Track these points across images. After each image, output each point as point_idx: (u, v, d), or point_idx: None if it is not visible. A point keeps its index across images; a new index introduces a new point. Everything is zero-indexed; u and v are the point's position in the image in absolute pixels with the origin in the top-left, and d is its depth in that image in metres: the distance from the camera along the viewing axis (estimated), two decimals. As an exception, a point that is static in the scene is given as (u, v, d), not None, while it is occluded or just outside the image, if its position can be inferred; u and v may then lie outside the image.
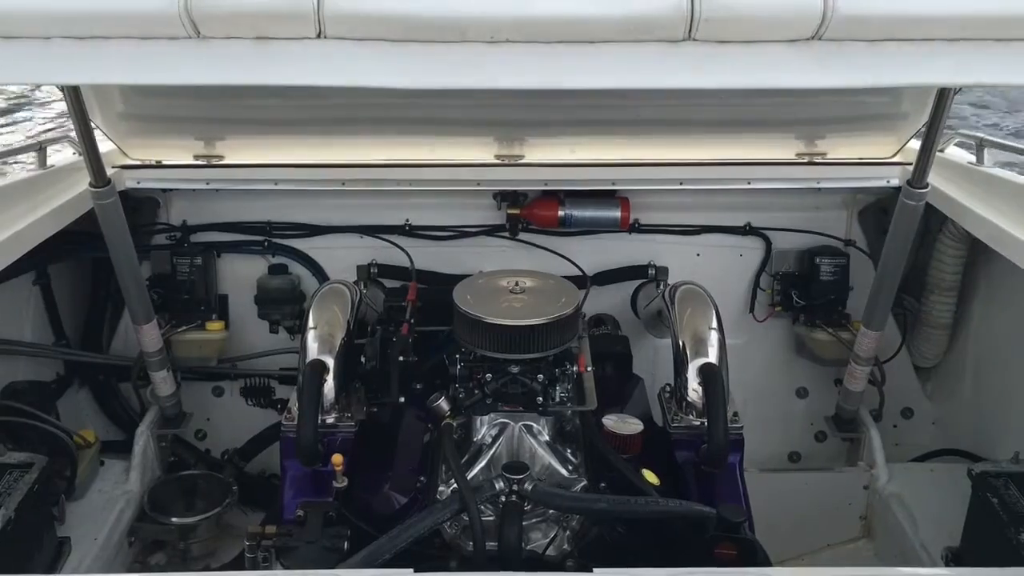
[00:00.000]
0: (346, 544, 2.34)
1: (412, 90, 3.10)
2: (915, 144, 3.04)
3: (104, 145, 3.17)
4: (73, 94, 2.59)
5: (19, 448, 2.84)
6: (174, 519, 3.24)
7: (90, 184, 2.89)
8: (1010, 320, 3.29)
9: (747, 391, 3.64)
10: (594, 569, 1.99)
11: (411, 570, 1.99)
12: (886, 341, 3.50)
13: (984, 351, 3.46)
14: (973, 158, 3.31)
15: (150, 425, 3.47)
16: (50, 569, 2.74)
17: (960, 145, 3.52)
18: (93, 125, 2.85)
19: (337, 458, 2.52)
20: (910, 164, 2.99)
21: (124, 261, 3.06)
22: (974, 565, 2.61)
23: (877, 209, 3.66)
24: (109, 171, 2.97)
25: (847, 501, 3.48)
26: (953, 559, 2.81)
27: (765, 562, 2.35)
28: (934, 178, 3.21)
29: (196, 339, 3.62)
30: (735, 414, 2.81)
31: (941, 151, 3.44)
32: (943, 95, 2.68)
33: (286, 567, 2.28)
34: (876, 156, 3.48)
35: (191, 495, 3.35)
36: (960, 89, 2.96)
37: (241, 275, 3.75)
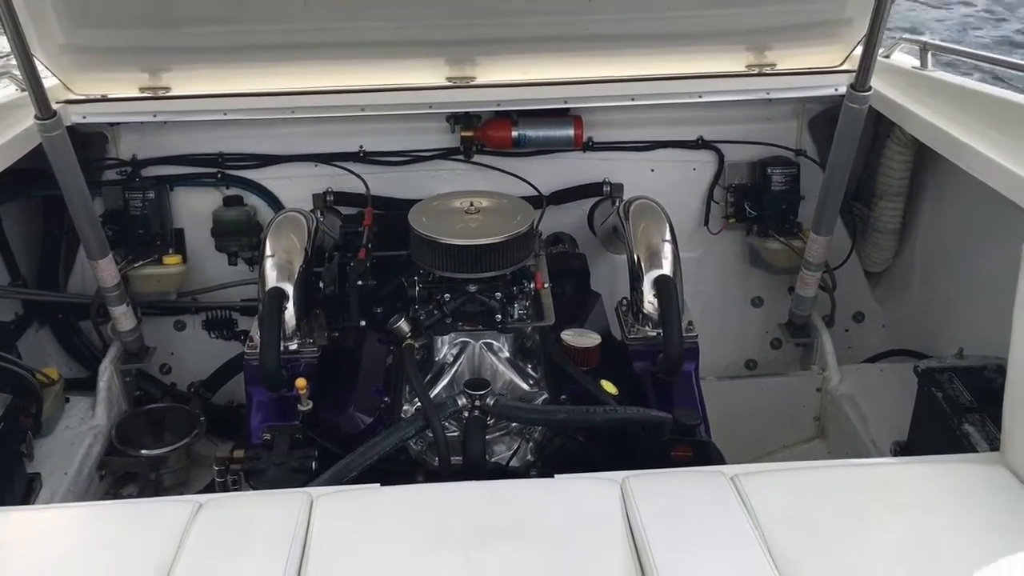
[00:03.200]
0: (314, 464, 2.39)
1: (360, 7, 3.10)
2: (860, 53, 3.07)
3: (47, 81, 3.11)
4: (12, 22, 2.53)
5: (-18, 389, 2.85)
6: (143, 451, 3.28)
7: (35, 117, 2.84)
8: (955, 222, 3.38)
9: (704, 303, 3.72)
10: (555, 475, 2.08)
11: (378, 484, 2.06)
12: (836, 248, 3.58)
13: (931, 254, 3.55)
14: (918, 63, 3.35)
15: (113, 360, 3.48)
16: (23, 503, 2.77)
17: (906, 52, 3.56)
18: (34, 59, 2.80)
19: (301, 382, 2.56)
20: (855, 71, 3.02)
21: (75, 195, 3.03)
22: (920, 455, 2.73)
23: (826, 119, 3.69)
24: (54, 106, 2.92)
25: (801, 404, 3.59)
26: (901, 451, 2.94)
27: (719, 461, 2.44)
28: (880, 84, 3.25)
29: (154, 274, 3.61)
30: (690, 323, 2.88)
31: (886, 57, 3.48)
32: None
33: (255, 489, 2.33)
34: (825, 65, 3.50)
35: (159, 427, 3.38)
36: None
37: (196, 208, 3.72)
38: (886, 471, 2.23)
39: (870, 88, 2.91)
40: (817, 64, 3.49)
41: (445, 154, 3.72)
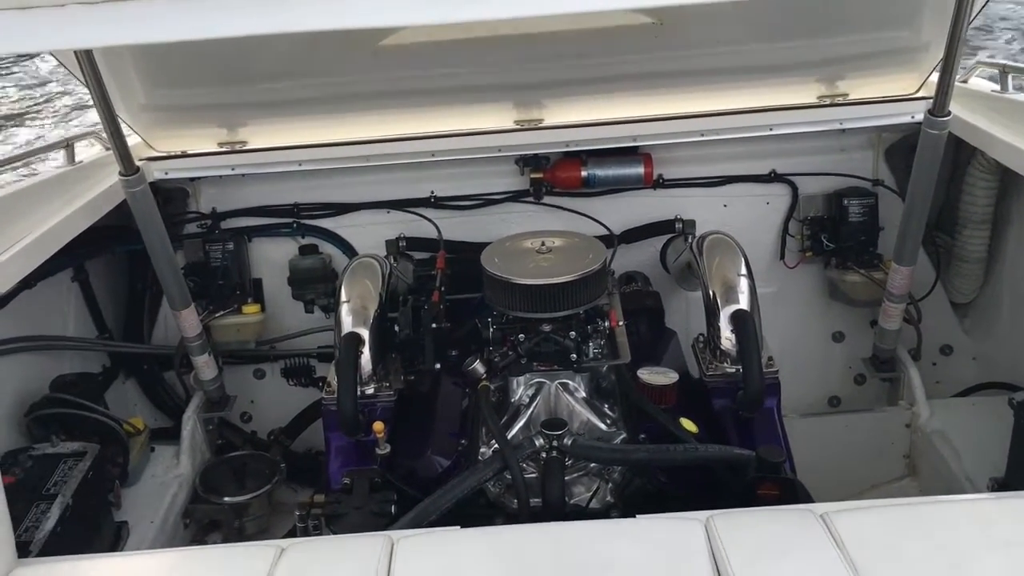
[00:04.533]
0: (393, 508, 2.39)
1: (426, 56, 3.14)
2: (937, 78, 3.01)
3: (130, 140, 3.23)
4: (96, 83, 2.64)
5: (72, 438, 2.92)
6: (227, 499, 3.32)
7: (120, 174, 2.95)
8: None
9: (783, 339, 3.64)
10: (637, 515, 2.03)
11: (458, 527, 2.04)
12: (920, 279, 3.47)
13: (1020, 282, 3.42)
14: (998, 86, 3.26)
15: (196, 410, 3.55)
16: (110, 551, 2.82)
17: (986, 77, 3.47)
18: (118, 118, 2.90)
19: (378, 425, 2.57)
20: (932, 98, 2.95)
21: (158, 247, 3.12)
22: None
23: (904, 147, 3.61)
24: (137, 163, 3.02)
25: (890, 441, 3.47)
26: (999, 488, 2.80)
27: (807, 500, 2.36)
28: (959, 109, 3.17)
29: (234, 323, 3.68)
30: (770, 359, 2.82)
31: (964, 82, 3.40)
32: (960, 12, 2.62)
33: (336, 533, 2.33)
34: (899, 93, 3.44)
35: (241, 475, 3.42)
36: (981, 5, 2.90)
37: (273, 258, 3.80)
38: (987, 507, 2.12)
39: (949, 113, 2.84)
40: (892, 92, 3.43)
41: (515, 196, 3.74)
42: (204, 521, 3.38)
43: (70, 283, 3.50)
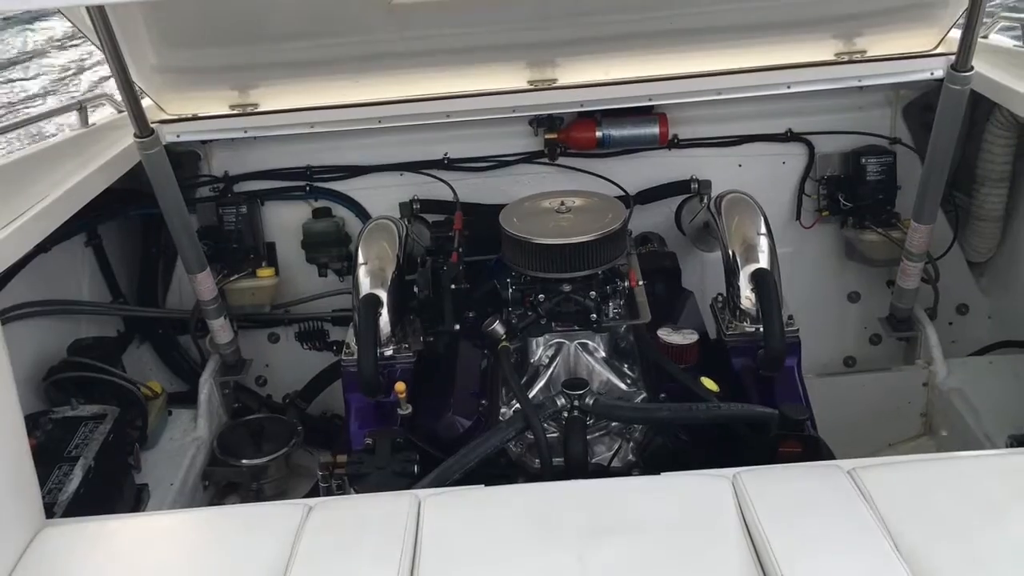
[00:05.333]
0: (416, 468, 2.39)
1: (439, 15, 3.11)
2: (956, 34, 2.96)
3: (143, 102, 3.20)
4: (111, 43, 2.61)
5: (90, 402, 2.93)
6: (244, 461, 3.33)
7: (135, 135, 2.92)
8: None
9: (798, 299, 3.60)
10: (661, 473, 2.04)
11: (482, 486, 2.04)
12: (937, 239, 3.45)
13: None
14: (1020, 41, 3.21)
15: (212, 373, 3.55)
16: (133, 513, 2.84)
17: (1005, 32, 3.42)
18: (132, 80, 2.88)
19: (400, 386, 2.57)
20: (953, 54, 2.91)
21: (174, 210, 3.10)
22: None
23: (922, 105, 3.58)
24: (151, 125, 3.00)
25: (907, 400, 3.47)
26: (1018, 444, 2.80)
27: (830, 457, 2.36)
28: (979, 64, 3.12)
29: (248, 287, 3.67)
30: (790, 317, 2.81)
31: (984, 38, 3.35)
32: None
33: (359, 493, 2.34)
34: (918, 49, 3.39)
35: (258, 438, 3.43)
36: None
37: (286, 221, 3.78)
38: (1011, 460, 2.13)
39: (972, 68, 2.80)
40: (910, 48, 3.38)
41: (529, 158, 3.71)
42: (222, 483, 3.39)
43: (84, 248, 3.49)
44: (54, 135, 3.42)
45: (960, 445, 3.17)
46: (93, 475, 2.59)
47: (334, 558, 1.77)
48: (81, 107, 3.30)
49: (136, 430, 3.12)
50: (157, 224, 3.56)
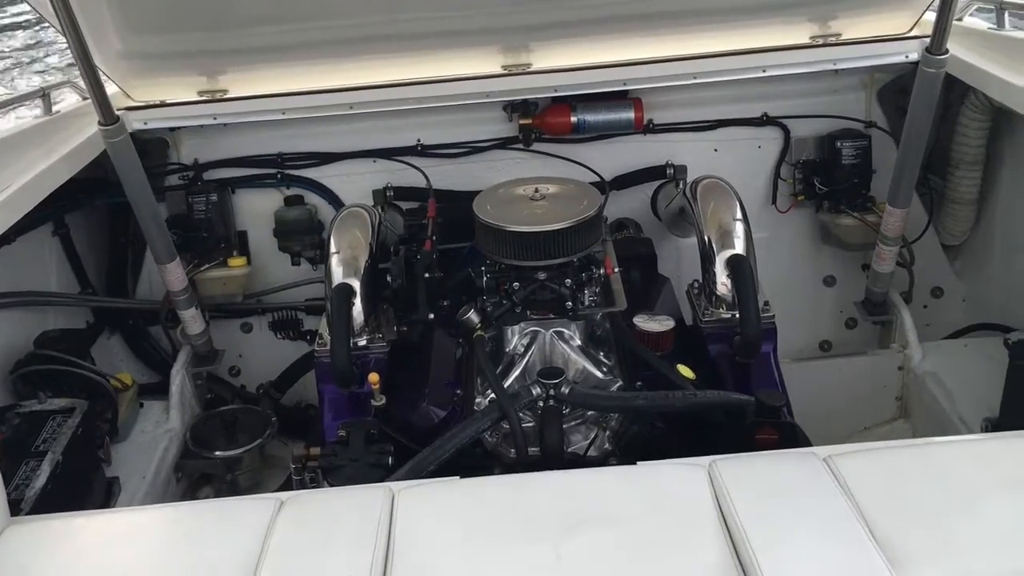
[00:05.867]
0: (390, 460, 2.36)
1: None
2: (931, 17, 2.95)
3: (107, 89, 3.14)
4: (72, 27, 2.54)
5: (59, 395, 2.88)
6: (218, 453, 3.29)
7: (99, 123, 2.86)
8: None
9: (774, 284, 3.59)
10: (637, 462, 2.02)
11: (456, 477, 2.02)
12: (912, 222, 3.45)
13: (1012, 223, 3.41)
14: (995, 24, 3.21)
15: (184, 364, 3.50)
16: (103, 507, 2.79)
17: (980, 13, 3.41)
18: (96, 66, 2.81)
19: (374, 376, 2.54)
20: (928, 37, 2.90)
21: (141, 199, 3.04)
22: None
23: (897, 88, 3.57)
24: (116, 112, 2.93)
25: (882, 383, 3.48)
26: (993, 428, 2.81)
27: (806, 444, 2.36)
28: (954, 47, 3.11)
29: (220, 276, 3.62)
30: (766, 303, 2.80)
31: (959, 20, 3.34)
32: None
33: (333, 485, 2.31)
34: (893, 32, 3.38)
35: (232, 429, 3.38)
36: None
37: (258, 209, 3.73)
38: (988, 446, 2.13)
39: (947, 51, 2.79)
40: (885, 31, 3.37)
41: (503, 144, 3.68)
42: (195, 475, 3.35)
43: (50, 238, 3.42)
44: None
45: (935, 428, 3.18)
46: (61, 470, 2.55)
47: (306, 553, 1.75)
48: (45, 94, 3.22)
49: (106, 423, 3.07)
50: (126, 213, 3.49)
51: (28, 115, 3.34)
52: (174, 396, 3.41)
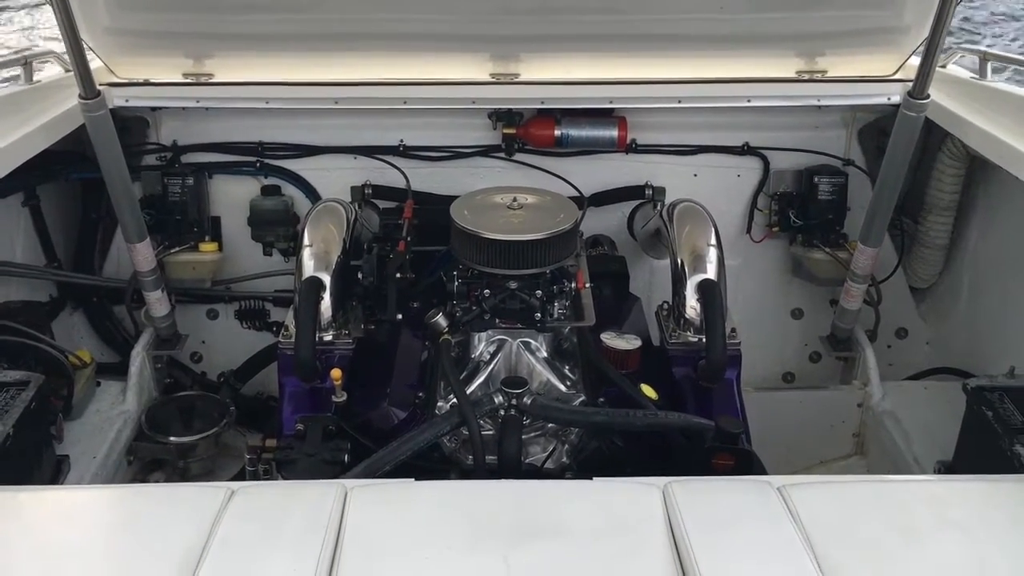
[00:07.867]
0: (346, 457, 2.35)
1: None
2: (916, 61, 3.00)
3: (91, 64, 3.10)
4: (61, 1, 2.51)
5: (15, 367, 2.83)
6: (172, 438, 3.25)
7: (80, 96, 2.82)
8: (1007, 238, 3.29)
9: (743, 312, 3.64)
10: (594, 477, 2.02)
11: (411, 479, 2.01)
12: (882, 262, 3.49)
13: (980, 271, 3.46)
14: (976, 74, 3.26)
15: (146, 346, 3.46)
16: (50, 484, 2.75)
17: (964, 64, 3.47)
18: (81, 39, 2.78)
19: (336, 372, 2.53)
20: (911, 81, 2.95)
21: (116, 176, 3.01)
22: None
23: (877, 129, 3.62)
24: (98, 87, 2.90)
25: (841, 419, 3.51)
26: (946, 471, 2.84)
27: (762, 472, 2.37)
28: (936, 94, 3.17)
29: (189, 260, 3.59)
30: (733, 330, 2.82)
31: (943, 67, 3.40)
32: None
33: (286, 479, 2.29)
34: (877, 73, 3.43)
35: (188, 415, 3.35)
36: None
37: (233, 196, 3.70)
38: (939, 488, 2.15)
39: (928, 96, 2.84)
40: (870, 72, 3.42)
41: (486, 151, 3.68)
42: (147, 459, 3.31)
43: (20, 208, 3.38)
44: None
45: (890, 467, 3.21)
46: (10, 443, 2.49)
47: (252, 545, 1.72)
48: (26, 63, 3.18)
49: (61, 400, 3.02)
50: (99, 189, 3.44)
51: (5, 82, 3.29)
52: (132, 377, 3.37)
